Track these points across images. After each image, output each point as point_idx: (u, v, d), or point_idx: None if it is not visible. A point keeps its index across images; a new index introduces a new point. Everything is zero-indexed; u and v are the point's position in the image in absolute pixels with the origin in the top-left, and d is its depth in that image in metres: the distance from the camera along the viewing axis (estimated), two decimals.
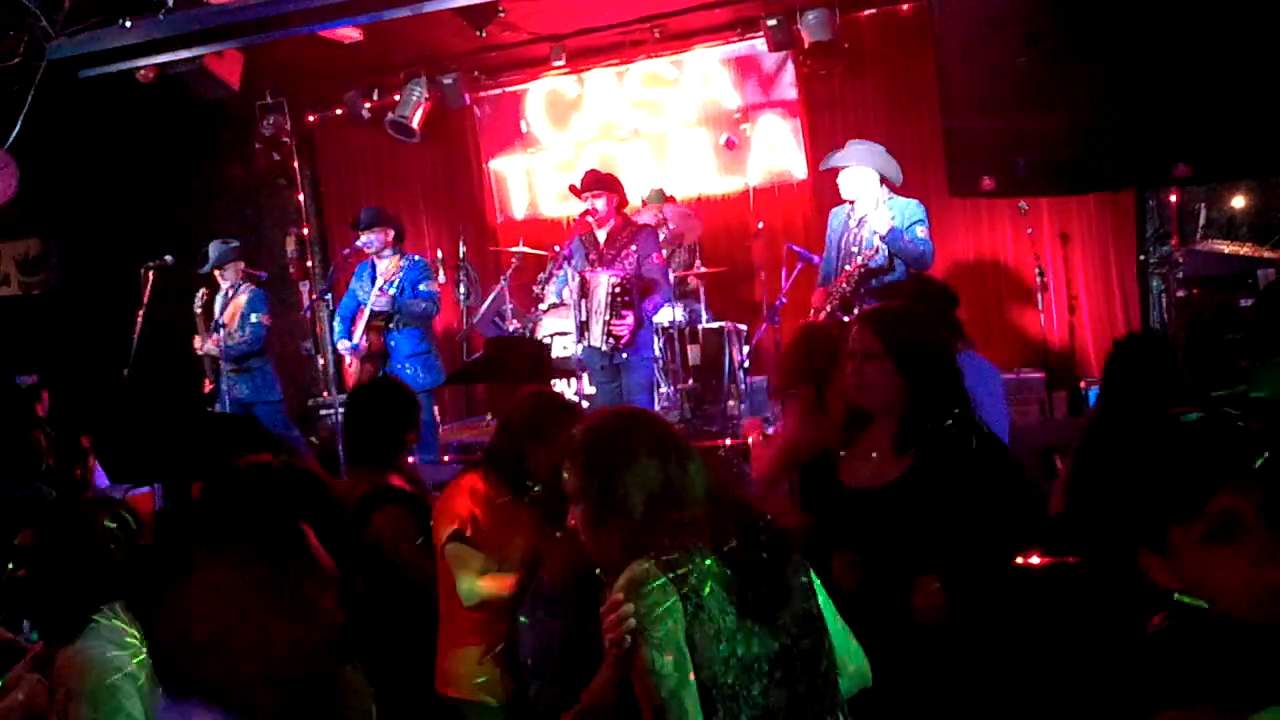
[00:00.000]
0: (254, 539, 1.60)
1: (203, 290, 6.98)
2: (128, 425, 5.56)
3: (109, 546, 2.32)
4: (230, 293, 6.94)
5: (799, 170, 8.18)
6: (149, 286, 6.77)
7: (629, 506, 1.88)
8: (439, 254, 8.10)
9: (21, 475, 3.91)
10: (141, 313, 6.74)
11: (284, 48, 6.94)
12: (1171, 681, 1.37)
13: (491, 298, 7.79)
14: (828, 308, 5.90)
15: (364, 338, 6.38)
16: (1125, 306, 7.39)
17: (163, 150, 8.47)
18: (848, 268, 5.87)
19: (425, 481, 3.59)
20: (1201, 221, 6.66)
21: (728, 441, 6.38)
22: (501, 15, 6.57)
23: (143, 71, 6.93)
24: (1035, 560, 2.82)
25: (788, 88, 8.22)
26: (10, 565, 2.32)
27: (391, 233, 6.55)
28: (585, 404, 5.64)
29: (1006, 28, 4.49)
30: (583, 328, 6.04)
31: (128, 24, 6.10)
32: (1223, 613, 1.39)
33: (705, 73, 8.31)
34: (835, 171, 6.03)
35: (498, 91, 8.73)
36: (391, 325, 6.40)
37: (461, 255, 7.97)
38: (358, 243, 6.55)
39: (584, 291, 6.00)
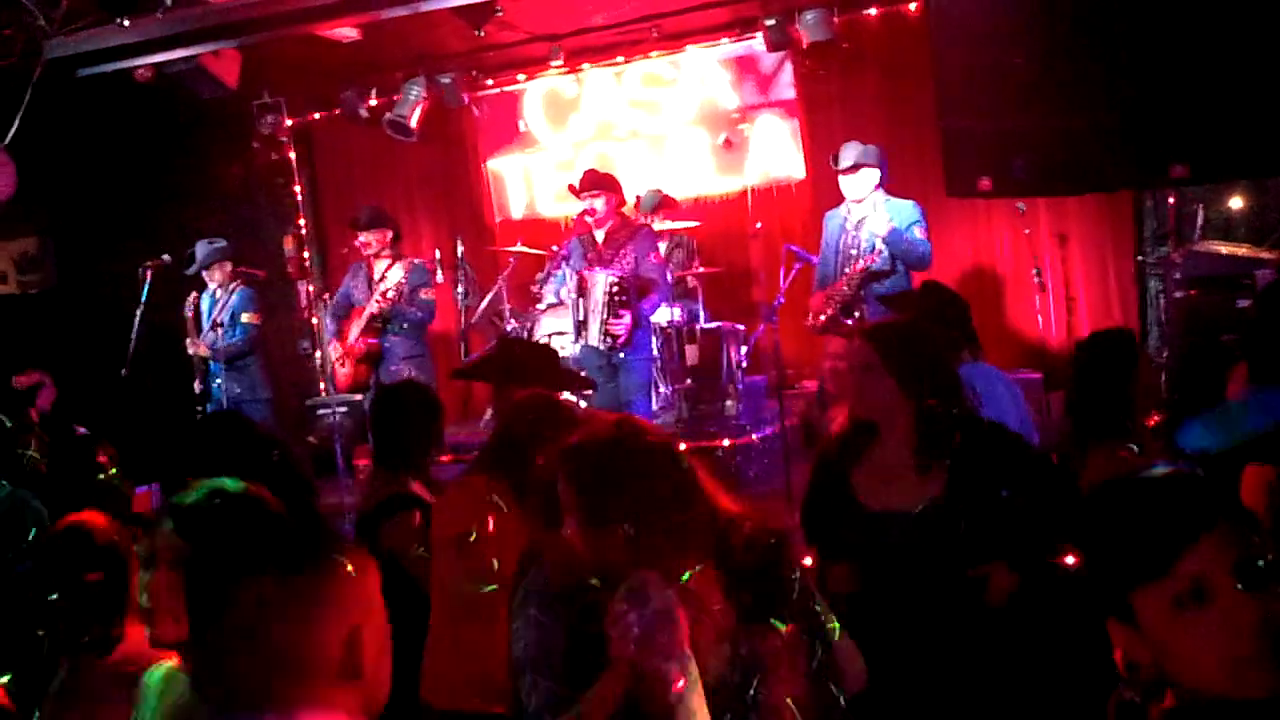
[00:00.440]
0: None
1: (192, 294, 6.97)
2: (126, 424, 5.55)
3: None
4: (219, 293, 6.93)
5: (797, 171, 8.17)
6: (146, 285, 6.77)
7: (624, 519, 1.89)
8: (437, 253, 8.09)
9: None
10: (139, 312, 6.74)
11: (282, 47, 6.94)
12: None
13: (489, 297, 7.78)
14: (829, 311, 5.91)
15: (359, 338, 6.39)
16: (1123, 307, 7.40)
17: (160, 149, 8.46)
18: (848, 270, 5.88)
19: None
20: (1199, 222, 6.67)
21: (726, 442, 6.39)
22: (499, 15, 6.57)
23: (140, 70, 6.92)
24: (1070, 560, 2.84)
25: (786, 88, 8.22)
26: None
27: (389, 233, 6.55)
28: (583, 404, 5.63)
29: (1004, 29, 4.49)
30: (580, 327, 6.05)
31: (125, 23, 6.09)
32: (1193, 689, 1.31)
33: (703, 73, 8.30)
34: (834, 172, 6.04)
35: (496, 91, 8.72)
36: (388, 328, 6.41)
37: (459, 255, 7.96)
38: (355, 242, 6.55)
39: (581, 291, 6.01)
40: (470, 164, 9.07)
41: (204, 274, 6.97)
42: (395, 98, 8.27)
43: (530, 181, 8.96)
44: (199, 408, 6.87)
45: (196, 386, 6.87)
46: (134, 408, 6.38)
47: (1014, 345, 7.44)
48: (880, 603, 2.60)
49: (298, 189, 9.25)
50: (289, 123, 8.79)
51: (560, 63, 8.03)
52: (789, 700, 1.85)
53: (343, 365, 6.54)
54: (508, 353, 4.18)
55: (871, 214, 5.83)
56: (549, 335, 7.17)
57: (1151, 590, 1.31)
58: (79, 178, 8.32)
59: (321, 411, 8.16)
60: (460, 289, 7.92)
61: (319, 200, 9.47)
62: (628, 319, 5.86)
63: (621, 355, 5.97)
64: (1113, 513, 1.37)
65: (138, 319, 6.72)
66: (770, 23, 7.41)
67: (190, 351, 6.88)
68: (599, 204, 6.08)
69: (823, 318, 5.93)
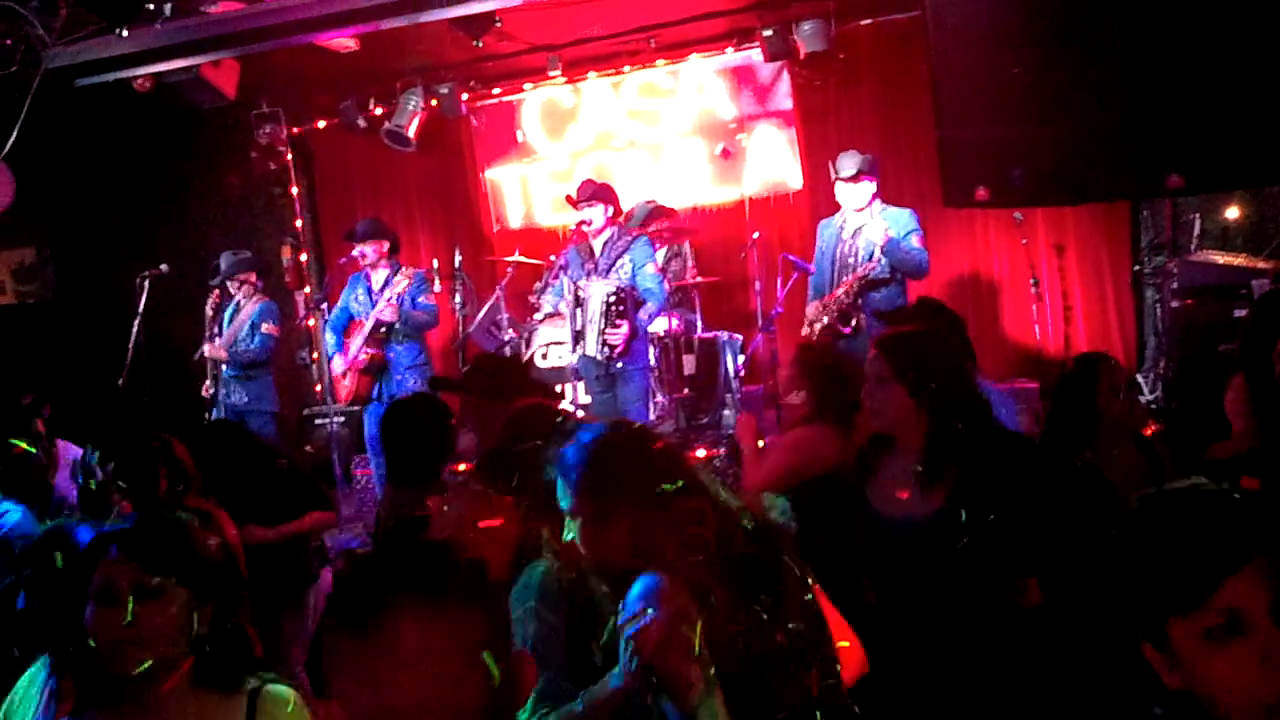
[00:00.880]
0: None
1: (215, 293, 6.98)
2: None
3: None
4: (242, 302, 6.96)
5: (794, 180, 8.18)
6: (144, 296, 6.77)
7: (627, 521, 1.91)
8: (434, 263, 8.10)
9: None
10: (137, 322, 6.74)
11: (280, 57, 6.95)
12: None
13: (487, 307, 7.78)
14: (824, 319, 5.91)
15: (363, 350, 6.38)
16: (1120, 317, 7.41)
17: (158, 159, 8.48)
18: (846, 279, 5.88)
19: None
20: (1196, 232, 6.68)
21: (722, 451, 6.38)
22: (498, 25, 6.58)
23: (139, 80, 6.93)
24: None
25: (783, 98, 8.24)
26: None
27: (387, 245, 6.55)
28: (580, 414, 5.63)
29: (1002, 39, 4.50)
30: (578, 337, 6.05)
31: (124, 33, 6.09)
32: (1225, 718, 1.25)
33: (701, 83, 8.32)
34: (830, 182, 6.06)
35: (494, 101, 8.74)
36: (392, 337, 6.41)
37: (457, 265, 7.96)
38: (353, 253, 6.55)
39: (579, 301, 6.01)
40: (468, 174, 9.08)
41: (228, 284, 6.98)
42: (393, 108, 8.29)
43: (528, 191, 8.97)
44: (205, 413, 6.87)
45: (205, 390, 6.87)
46: (131, 418, 6.37)
47: (1011, 354, 7.44)
48: (887, 608, 2.61)
49: (296, 198, 9.25)
50: (287, 133, 8.80)
51: (558, 73, 8.05)
52: (792, 688, 1.86)
53: (345, 379, 6.53)
54: (483, 367, 4.21)
55: (869, 222, 5.84)
56: (547, 345, 7.17)
57: (1185, 620, 1.25)
58: (77, 188, 8.32)
59: (319, 422, 8.15)
60: (458, 299, 7.92)
61: (317, 210, 9.48)
62: (625, 329, 5.86)
63: (619, 365, 5.97)
64: (1148, 537, 1.29)
65: (135, 329, 6.72)
66: (768, 33, 7.44)
67: (206, 354, 6.88)
68: (596, 214, 6.09)
69: (818, 326, 5.93)
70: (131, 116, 7.54)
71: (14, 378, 6.28)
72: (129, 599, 1.83)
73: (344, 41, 6.71)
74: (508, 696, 1.28)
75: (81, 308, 8.60)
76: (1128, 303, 7.42)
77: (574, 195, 6.23)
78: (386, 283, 6.45)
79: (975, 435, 2.62)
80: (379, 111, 8.51)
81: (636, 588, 1.80)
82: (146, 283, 6.79)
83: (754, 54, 7.85)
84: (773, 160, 8.23)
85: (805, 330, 6.06)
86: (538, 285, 7.55)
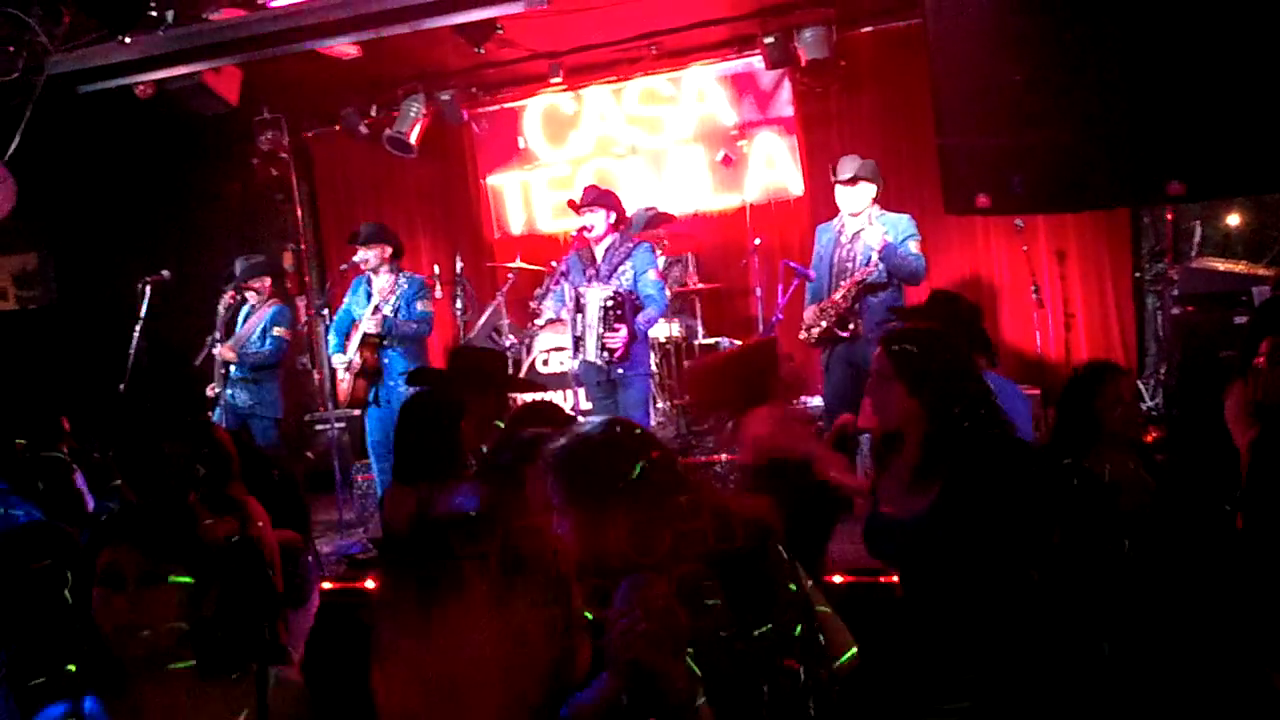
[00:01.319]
0: None
1: (229, 292, 6.98)
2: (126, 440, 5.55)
3: None
4: (255, 305, 6.97)
5: (795, 187, 8.20)
6: (146, 301, 6.78)
7: (617, 519, 1.90)
8: (436, 269, 8.11)
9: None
10: (138, 327, 6.74)
11: (282, 64, 6.96)
12: None
13: (488, 313, 7.79)
14: (822, 324, 5.92)
15: (357, 354, 6.39)
16: (1121, 324, 7.41)
17: (160, 165, 8.48)
18: (844, 283, 5.89)
19: None
20: (1197, 239, 6.69)
21: (723, 457, 6.38)
22: (499, 32, 6.60)
23: (141, 87, 6.95)
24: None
25: (784, 105, 8.26)
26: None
27: (389, 249, 6.55)
28: (581, 419, 5.63)
29: (1002, 47, 4.51)
30: (578, 343, 6.05)
31: (127, 40, 6.11)
32: None
33: (702, 90, 8.34)
34: (831, 188, 6.06)
35: (495, 108, 8.76)
36: (385, 343, 6.41)
37: (458, 270, 7.97)
38: (355, 258, 6.56)
39: (579, 307, 6.01)
40: (469, 180, 9.10)
41: (243, 288, 6.98)
42: (395, 114, 8.31)
43: (529, 198, 8.99)
44: (208, 414, 6.87)
45: (211, 390, 6.87)
46: (133, 423, 6.37)
47: (1012, 361, 7.44)
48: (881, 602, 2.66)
49: (297, 205, 9.27)
50: (289, 139, 8.82)
51: (560, 80, 8.07)
52: (784, 686, 1.87)
53: (343, 380, 6.54)
54: (462, 360, 4.20)
55: (867, 227, 5.85)
56: (548, 351, 7.17)
57: None
58: (79, 193, 8.33)
59: (320, 427, 8.16)
60: (459, 304, 7.93)
61: (318, 216, 9.49)
62: (624, 332, 5.86)
63: (620, 371, 5.96)
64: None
65: (137, 334, 6.73)
66: (769, 40, 7.45)
67: (216, 354, 6.88)
68: (598, 219, 6.09)
69: (815, 331, 5.94)
70: (133, 123, 7.55)
71: (16, 383, 6.29)
72: (132, 583, 1.86)
73: (346, 48, 6.72)
74: (565, 669, 1.30)
75: (83, 313, 8.61)
76: (1128, 309, 7.42)
77: (576, 201, 6.24)
78: (391, 288, 6.46)
79: (972, 436, 2.62)
80: (380, 118, 8.53)
81: (624, 587, 1.80)
82: (148, 288, 6.79)
83: (755, 61, 7.87)
84: (774, 167, 8.25)
85: (803, 334, 6.06)
86: (538, 291, 7.56)
